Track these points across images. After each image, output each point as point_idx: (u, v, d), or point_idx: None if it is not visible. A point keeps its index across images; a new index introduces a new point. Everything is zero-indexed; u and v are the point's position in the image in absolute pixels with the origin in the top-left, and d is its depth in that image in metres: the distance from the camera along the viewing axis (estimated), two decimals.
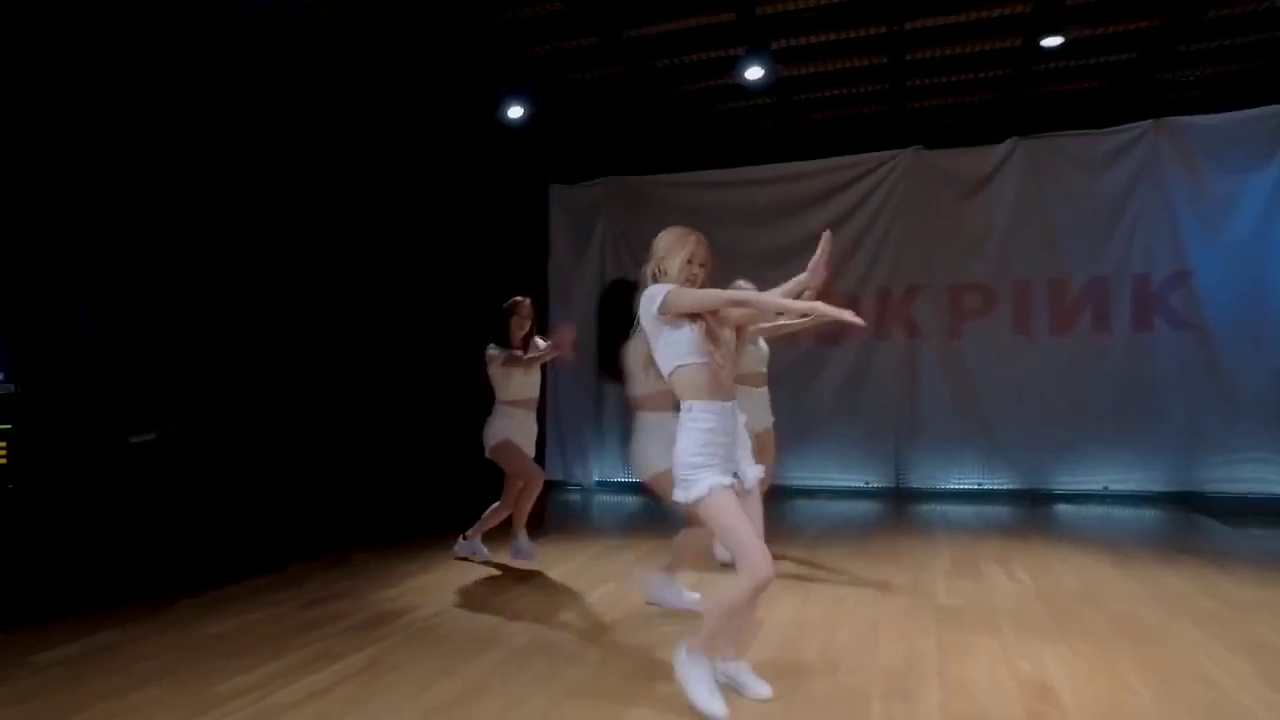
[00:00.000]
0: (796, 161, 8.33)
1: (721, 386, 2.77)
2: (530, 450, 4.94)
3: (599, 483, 8.85)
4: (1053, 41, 6.01)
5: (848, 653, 3.43)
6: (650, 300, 2.81)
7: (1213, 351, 7.16)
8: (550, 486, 8.71)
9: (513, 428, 4.88)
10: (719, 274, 8.43)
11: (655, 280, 2.88)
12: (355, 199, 7.28)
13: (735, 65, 6.35)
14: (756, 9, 5.77)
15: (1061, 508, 7.21)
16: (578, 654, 3.48)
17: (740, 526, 2.67)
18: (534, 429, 4.98)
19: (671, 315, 2.77)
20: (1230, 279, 7.12)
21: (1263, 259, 7.08)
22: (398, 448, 7.26)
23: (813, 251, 2.77)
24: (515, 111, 6.31)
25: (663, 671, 3.09)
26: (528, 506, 5.00)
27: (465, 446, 8.55)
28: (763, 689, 2.91)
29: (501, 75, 6.34)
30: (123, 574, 4.78)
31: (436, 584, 4.70)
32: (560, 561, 5.17)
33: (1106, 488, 7.39)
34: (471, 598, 4.42)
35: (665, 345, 2.82)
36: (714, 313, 2.80)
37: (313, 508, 6.19)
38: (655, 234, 3.06)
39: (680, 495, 2.77)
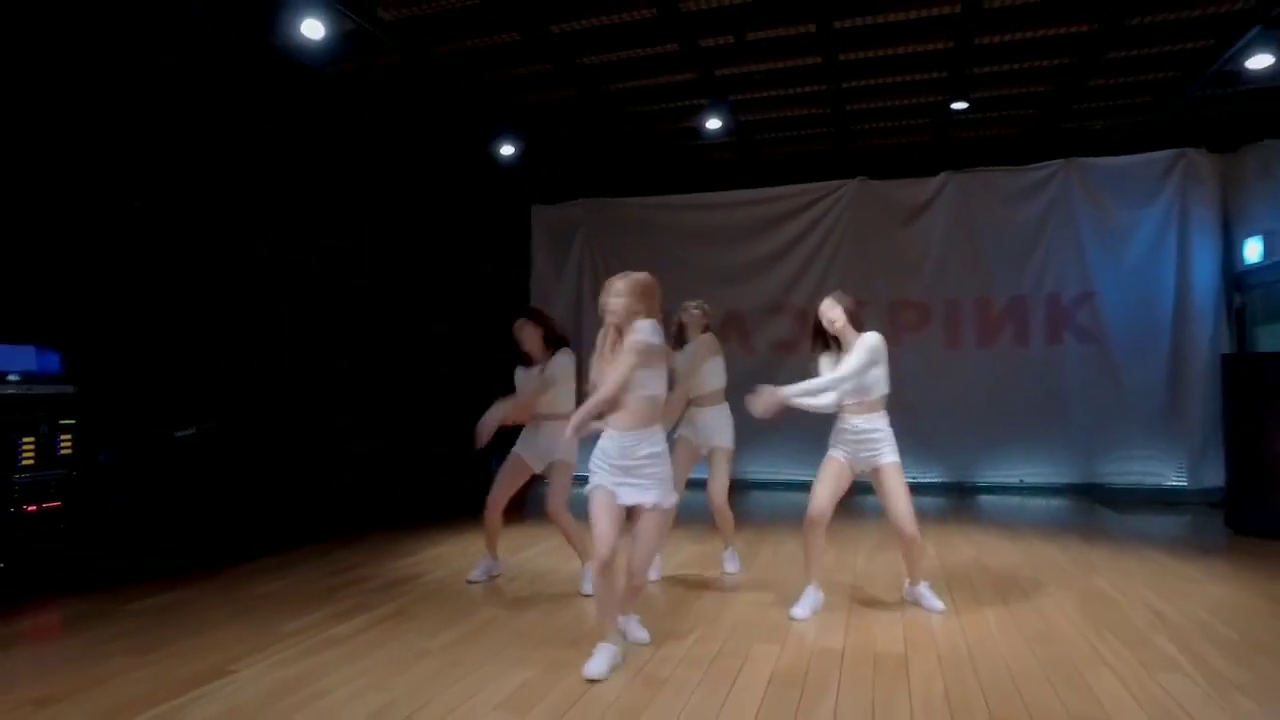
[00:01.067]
0: (755, 189, 9.27)
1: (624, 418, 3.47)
2: (527, 465, 4.77)
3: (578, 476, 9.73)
4: (960, 105, 7.04)
5: (782, 602, 4.36)
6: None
7: (1112, 362, 8.21)
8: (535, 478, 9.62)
9: (520, 441, 4.79)
10: (683, 286, 9.34)
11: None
12: (359, 213, 8.09)
13: (699, 113, 7.29)
14: (716, 71, 6.71)
15: (984, 498, 8.23)
16: (551, 610, 4.37)
17: (597, 518, 3.40)
18: (542, 443, 4.67)
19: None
20: (1126, 299, 8.18)
21: (1152, 281, 8.15)
22: (401, 443, 8.08)
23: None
24: (507, 149, 7.19)
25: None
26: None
27: (461, 442, 9.48)
28: (642, 634, 3.70)
29: (498, 117, 7.23)
30: (181, 548, 5.58)
31: (443, 556, 5.58)
32: (544, 539, 6.05)
33: (1022, 480, 8.43)
34: (471, 567, 5.29)
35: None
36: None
37: (331, 495, 7.02)
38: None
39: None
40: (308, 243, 7.33)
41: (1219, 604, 4.21)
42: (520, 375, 4.73)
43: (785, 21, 5.94)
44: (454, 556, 5.57)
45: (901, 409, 8.59)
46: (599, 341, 3.54)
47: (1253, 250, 7.66)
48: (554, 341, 4.67)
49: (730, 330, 9.12)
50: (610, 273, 11.02)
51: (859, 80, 6.99)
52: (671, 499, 3.56)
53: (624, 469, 3.44)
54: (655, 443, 3.50)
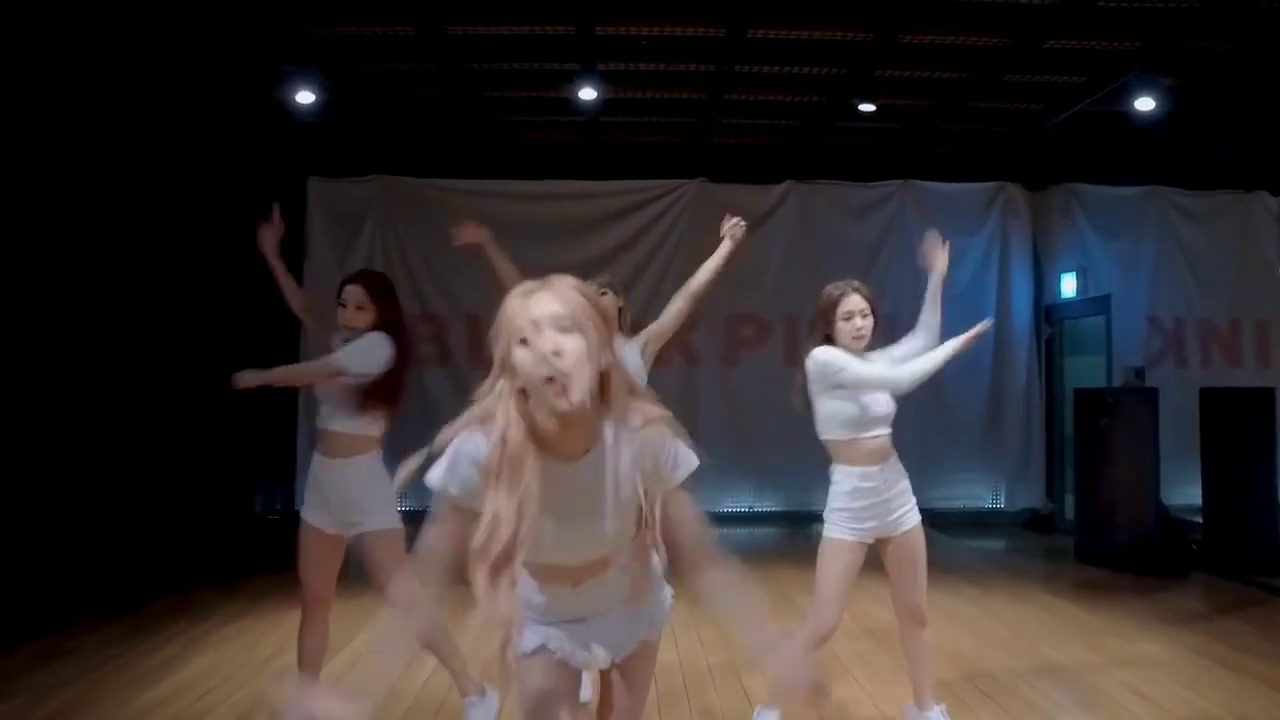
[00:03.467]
0: (588, 180, 8.19)
1: None
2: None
3: None
4: (868, 106, 6.55)
5: None
6: None
7: (939, 386, 8.22)
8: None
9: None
10: (496, 288, 7.97)
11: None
12: (85, 166, 5.74)
13: (556, 80, 6.06)
14: (597, 28, 5.53)
15: (818, 526, 7.85)
16: None
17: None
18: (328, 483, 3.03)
19: None
20: (955, 322, 8.11)
21: (977, 306, 8.26)
22: (118, 481, 5.87)
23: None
24: (305, 96, 5.38)
25: None
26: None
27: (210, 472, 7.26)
28: None
29: (283, 53, 5.38)
30: None
31: (200, 678, 3.76)
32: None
33: None
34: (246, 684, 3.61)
35: None
36: None
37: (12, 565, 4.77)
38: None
39: None
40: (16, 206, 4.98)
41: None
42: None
43: None
44: (229, 673, 3.81)
45: (738, 432, 8.30)
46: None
47: (1068, 285, 8.04)
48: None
49: None
50: (408, 265, 9.37)
51: (743, 65, 6.22)
52: None
53: None
54: None
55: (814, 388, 3.02)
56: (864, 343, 3.03)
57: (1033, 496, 8.15)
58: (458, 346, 8.13)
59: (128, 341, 6.35)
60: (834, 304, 3.03)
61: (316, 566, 3.02)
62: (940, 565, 6.02)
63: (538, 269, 6.61)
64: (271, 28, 5.14)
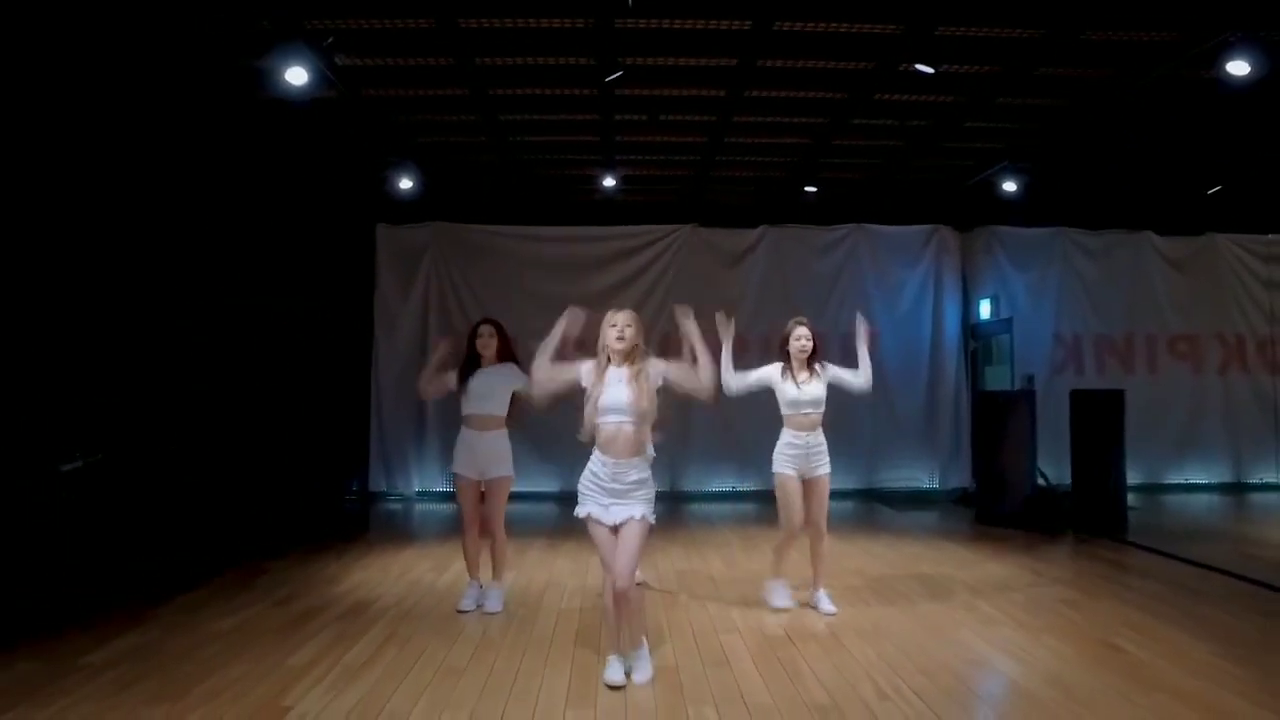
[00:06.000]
0: (602, 226, 10.18)
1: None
2: (473, 472, 4.99)
3: (420, 493, 9.92)
4: (811, 189, 8.54)
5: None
6: None
7: (888, 387, 10.19)
8: (374, 496, 9.70)
9: (457, 448, 5.07)
10: (527, 313, 10.09)
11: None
12: (215, 228, 7.75)
13: (588, 165, 8.05)
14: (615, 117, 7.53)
15: None
16: (537, 622, 4.95)
17: (601, 548, 3.94)
18: (482, 448, 4.97)
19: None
20: (898, 338, 10.24)
21: (915, 328, 10.28)
22: (262, 465, 7.85)
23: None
24: (405, 183, 7.38)
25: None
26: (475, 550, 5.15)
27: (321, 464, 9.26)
28: (642, 674, 3.95)
29: (385, 144, 7.40)
30: (96, 587, 5.21)
31: (370, 580, 5.77)
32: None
33: None
34: (396, 584, 5.59)
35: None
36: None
37: (218, 521, 6.76)
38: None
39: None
40: (160, 258, 6.96)
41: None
42: (474, 377, 4.99)
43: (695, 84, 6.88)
44: (380, 580, 5.80)
45: (722, 422, 10.24)
46: (588, 369, 3.96)
47: (985, 309, 10.02)
48: (508, 355, 5.08)
49: (570, 354, 9.90)
50: (457, 295, 11.26)
51: (729, 136, 8.17)
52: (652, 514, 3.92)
53: (613, 492, 3.86)
54: (643, 469, 3.94)
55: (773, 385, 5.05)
56: (805, 355, 5.05)
57: (962, 478, 10.11)
58: None
59: (254, 371, 8.34)
60: (788, 334, 5.06)
61: (469, 502, 5.04)
62: (879, 527, 8.04)
63: (561, 296, 8.81)
64: (379, 129, 7.13)
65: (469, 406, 4.99)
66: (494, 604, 5.06)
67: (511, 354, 5.09)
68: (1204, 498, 9.94)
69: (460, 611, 5.02)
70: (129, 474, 5.91)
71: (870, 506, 9.50)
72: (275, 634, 4.56)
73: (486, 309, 10.05)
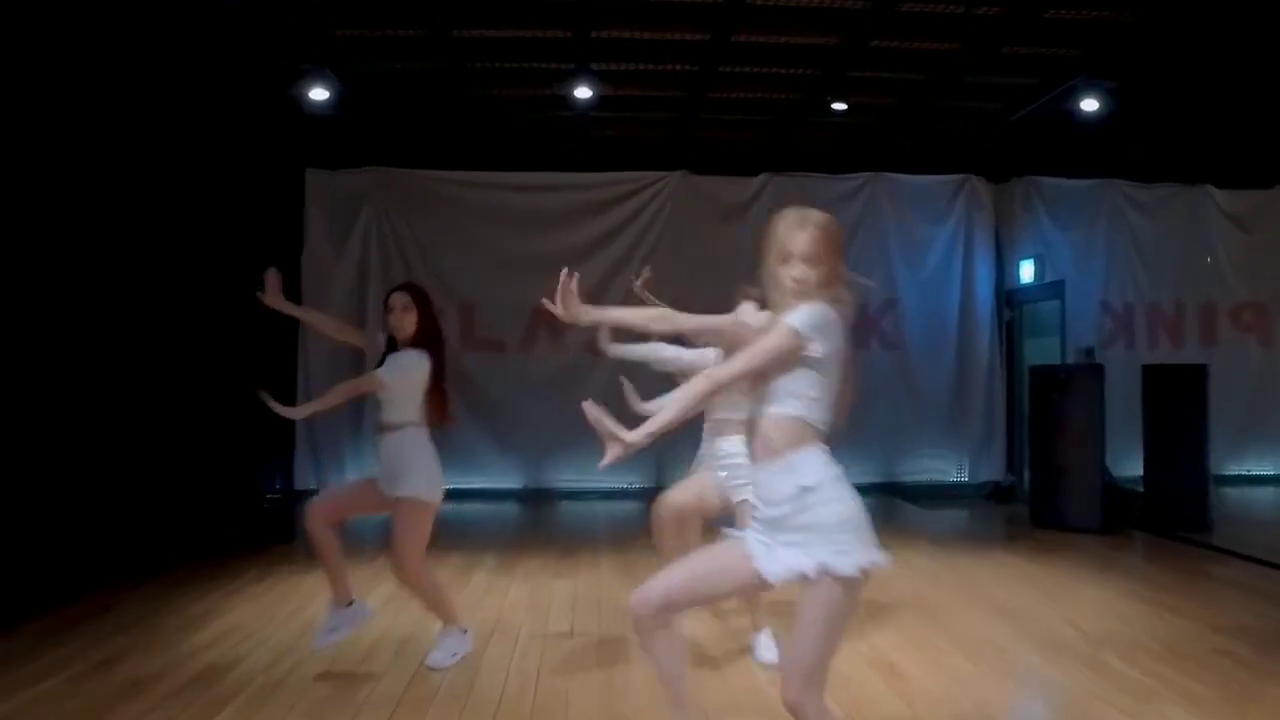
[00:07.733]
0: (576, 172, 8.58)
1: None
2: (381, 481, 3.55)
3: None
4: (840, 105, 7.01)
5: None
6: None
7: (908, 367, 8.75)
8: (301, 495, 8.07)
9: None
10: (487, 275, 8.69)
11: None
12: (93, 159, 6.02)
13: (551, 79, 6.45)
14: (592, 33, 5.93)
15: None
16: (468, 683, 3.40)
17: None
18: (384, 454, 3.54)
19: None
20: (922, 306, 8.78)
21: (943, 293, 8.83)
22: (133, 463, 6.18)
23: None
24: (319, 93, 5.72)
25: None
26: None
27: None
28: None
29: (302, 53, 5.72)
30: None
31: (243, 625, 4.16)
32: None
33: None
34: (280, 630, 4.00)
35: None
36: None
37: (60, 535, 5.10)
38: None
39: None
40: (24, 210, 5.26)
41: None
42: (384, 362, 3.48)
43: None
44: (259, 625, 4.19)
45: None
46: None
47: (1026, 271, 8.57)
48: (431, 333, 3.54)
49: (539, 327, 8.36)
50: (403, 254, 9.84)
51: (728, 66, 6.65)
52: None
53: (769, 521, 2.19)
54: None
55: None
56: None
57: (994, 470, 8.69)
58: (450, 331, 8.45)
59: (139, 338, 6.63)
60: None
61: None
62: (908, 530, 6.63)
63: (527, 256, 7.20)
64: (288, 27, 5.46)
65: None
66: (435, 657, 3.61)
67: (436, 332, 3.55)
68: (1270, 491, 8.63)
69: (317, 647, 3.59)
70: None
71: (891, 503, 8.05)
72: None
73: (437, 270, 8.44)
